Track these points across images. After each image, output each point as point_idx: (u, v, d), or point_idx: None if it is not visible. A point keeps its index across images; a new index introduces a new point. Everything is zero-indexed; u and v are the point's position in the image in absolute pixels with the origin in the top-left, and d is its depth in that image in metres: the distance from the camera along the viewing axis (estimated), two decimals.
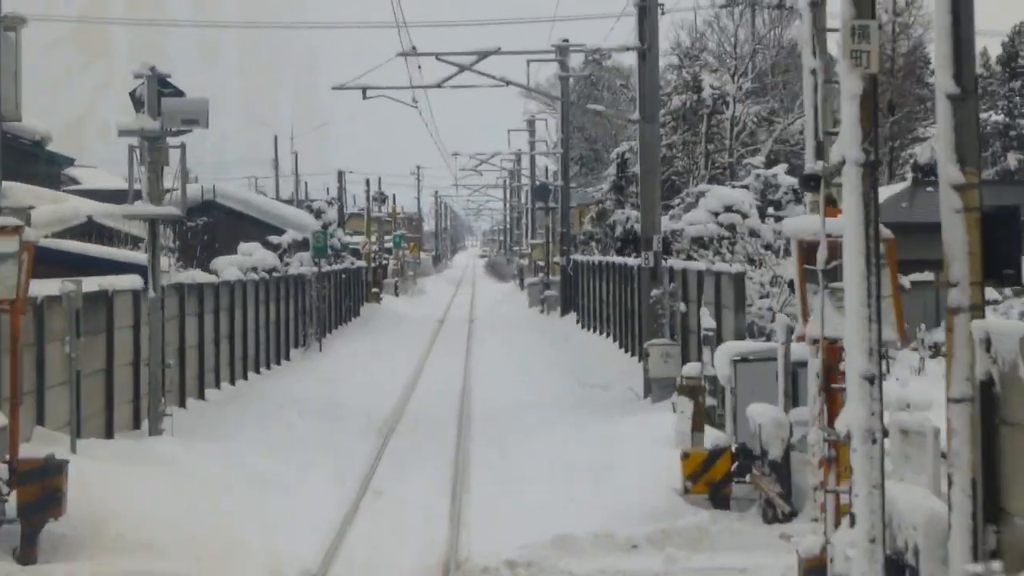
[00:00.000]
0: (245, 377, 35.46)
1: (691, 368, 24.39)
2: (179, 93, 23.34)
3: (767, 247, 37.31)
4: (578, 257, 57.74)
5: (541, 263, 74.15)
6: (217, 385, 32.21)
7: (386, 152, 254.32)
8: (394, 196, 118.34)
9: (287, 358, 42.17)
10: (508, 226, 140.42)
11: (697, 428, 19.56)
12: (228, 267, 43.01)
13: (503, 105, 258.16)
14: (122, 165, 23.68)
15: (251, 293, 36.96)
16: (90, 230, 46.75)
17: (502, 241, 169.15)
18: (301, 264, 52.00)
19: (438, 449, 24.15)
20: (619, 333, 42.25)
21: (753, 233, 37.42)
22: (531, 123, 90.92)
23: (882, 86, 59.08)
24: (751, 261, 35.80)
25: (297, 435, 25.33)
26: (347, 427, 27.16)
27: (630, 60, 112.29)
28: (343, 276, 57.01)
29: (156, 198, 23.27)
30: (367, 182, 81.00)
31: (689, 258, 37.17)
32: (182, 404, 28.45)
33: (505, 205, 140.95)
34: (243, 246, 49.86)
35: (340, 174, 75.61)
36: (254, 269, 48.24)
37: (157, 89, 23.09)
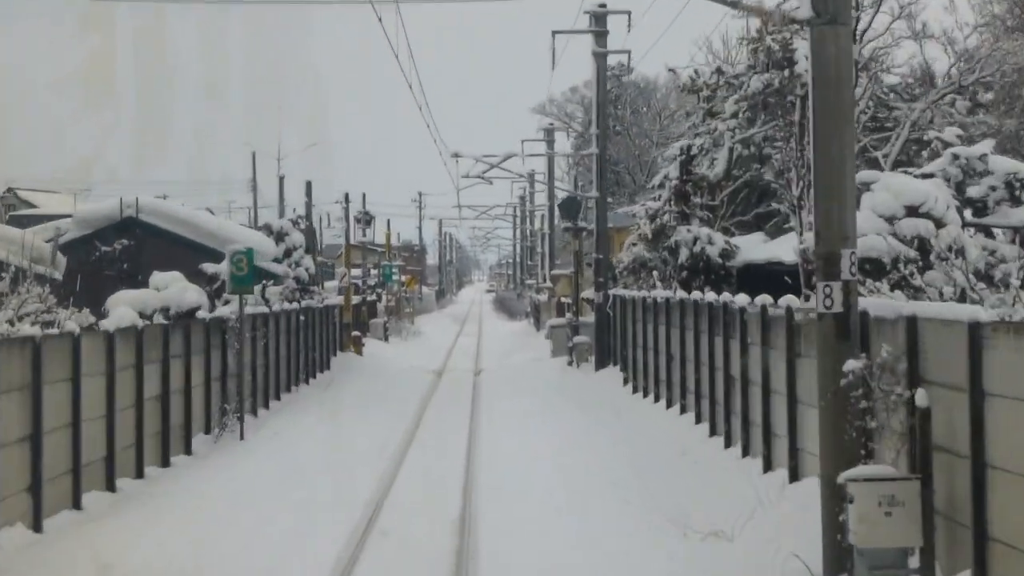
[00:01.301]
0: (77, 505, 20.03)
1: None
2: None
3: (977, 274, 22.08)
4: (622, 292, 42.28)
5: (566, 299, 58.61)
6: None
7: (387, 176, 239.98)
8: (388, 221, 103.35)
9: (187, 451, 26.69)
10: (520, 258, 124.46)
11: None
12: (120, 308, 27.98)
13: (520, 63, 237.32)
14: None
15: (97, 354, 21.41)
16: None
17: (511, 275, 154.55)
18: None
19: None
20: (712, 413, 26.68)
21: (957, 251, 22.05)
22: (549, 132, 77.42)
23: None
24: (960, 297, 20.64)
25: None
26: None
27: (656, 70, 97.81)
28: (301, 319, 41.41)
29: None
30: (346, 196, 64.07)
31: None
32: None
33: (515, 232, 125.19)
34: (156, 277, 35.28)
35: (308, 184, 59.45)
36: (165, 310, 33.67)
37: None
